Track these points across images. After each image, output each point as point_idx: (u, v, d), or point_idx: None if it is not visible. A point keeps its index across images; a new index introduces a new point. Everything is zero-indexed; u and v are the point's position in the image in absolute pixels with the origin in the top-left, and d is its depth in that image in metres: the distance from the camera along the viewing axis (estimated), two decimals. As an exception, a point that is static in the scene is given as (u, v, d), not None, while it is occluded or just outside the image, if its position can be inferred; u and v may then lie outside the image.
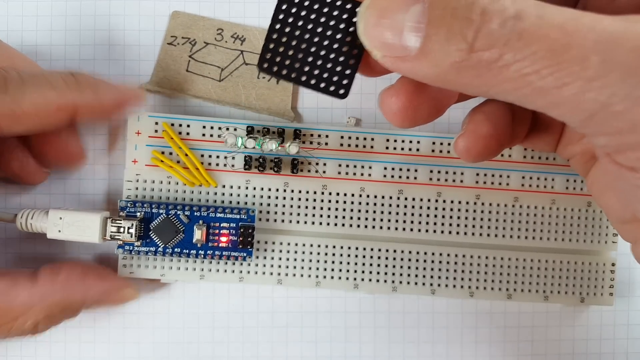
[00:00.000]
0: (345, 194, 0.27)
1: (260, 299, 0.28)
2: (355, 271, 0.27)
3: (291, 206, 0.27)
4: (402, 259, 0.27)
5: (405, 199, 0.27)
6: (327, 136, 0.27)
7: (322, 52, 0.17)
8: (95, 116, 0.25)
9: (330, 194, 0.27)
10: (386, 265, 0.27)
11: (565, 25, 0.14)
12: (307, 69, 0.17)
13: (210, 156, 0.27)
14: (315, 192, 0.27)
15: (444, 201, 0.27)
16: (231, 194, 0.27)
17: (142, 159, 0.26)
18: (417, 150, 0.27)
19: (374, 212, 0.27)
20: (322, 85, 0.17)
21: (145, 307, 0.27)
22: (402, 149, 0.27)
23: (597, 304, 0.27)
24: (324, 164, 0.27)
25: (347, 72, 0.17)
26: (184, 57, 0.28)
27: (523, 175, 0.27)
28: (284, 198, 0.27)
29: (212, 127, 0.27)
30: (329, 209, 0.27)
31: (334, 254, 0.27)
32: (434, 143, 0.27)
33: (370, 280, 0.27)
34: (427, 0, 0.14)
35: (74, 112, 0.23)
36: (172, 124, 0.26)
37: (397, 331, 0.28)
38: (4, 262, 0.27)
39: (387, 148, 0.27)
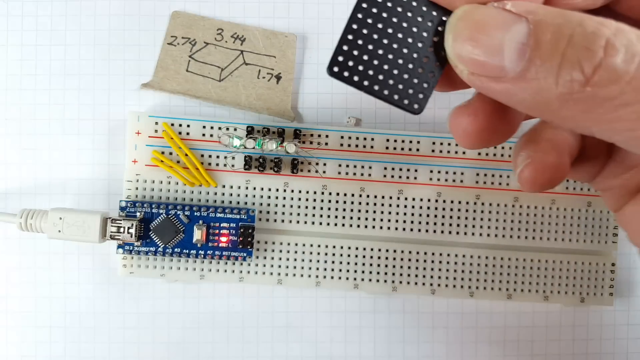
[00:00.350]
0: (345, 194, 0.27)
1: (260, 299, 0.28)
2: (355, 271, 0.27)
3: (291, 206, 0.27)
4: (402, 259, 0.27)
5: (405, 199, 0.27)
6: (327, 136, 0.27)
7: (400, 61, 0.15)
8: None
9: (330, 194, 0.27)
10: (386, 265, 0.27)
11: None
12: (381, 77, 0.15)
13: (210, 156, 0.27)
14: (315, 192, 0.27)
15: (444, 201, 0.27)
16: (231, 194, 0.27)
17: (142, 159, 0.26)
18: (417, 150, 0.27)
19: (374, 212, 0.27)
20: (396, 97, 0.15)
21: (145, 307, 0.27)
22: (402, 149, 0.27)
23: (597, 304, 0.27)
24: (324, 164, 0.27)
25: (425, 85, 0.15)
26: (184, 57, 0.28)
27: (523, 175, 0.27)
28: (284, 198, 0.27)
29: (212, 127, 0.27)
30: (329, 209, 0.27)
31: (334, 254, 0.27)
32: (434, 143, 0.27)
33: (370, 280, 0.27)
34: (532, 21, 0.13)
35: None
36: (172, 124, 0.26)
37: (397, 331, 0.28)
38: (4, 263, 0.27)
39: (387, 148, 0.27)
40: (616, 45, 0.13)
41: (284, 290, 0.28)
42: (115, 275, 0.27)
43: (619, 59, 0.13)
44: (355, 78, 0.15)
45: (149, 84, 0.27)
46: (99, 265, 0.27)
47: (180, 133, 0.26)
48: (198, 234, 0.26)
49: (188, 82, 0.27)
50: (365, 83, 0.15)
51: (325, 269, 0.27)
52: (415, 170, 0.27)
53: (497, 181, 0.27)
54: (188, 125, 0.26)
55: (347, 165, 0.27)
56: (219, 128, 0.26)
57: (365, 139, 0.27)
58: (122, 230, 0.25)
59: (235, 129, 0.26)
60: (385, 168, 0.27)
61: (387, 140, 0.27)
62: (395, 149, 0.27)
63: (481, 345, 0.28)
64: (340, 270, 0.27)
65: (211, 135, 0.27)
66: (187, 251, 0.26)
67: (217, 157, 0.27)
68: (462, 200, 0.27)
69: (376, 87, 0.15)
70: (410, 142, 0.27)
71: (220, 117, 0.27)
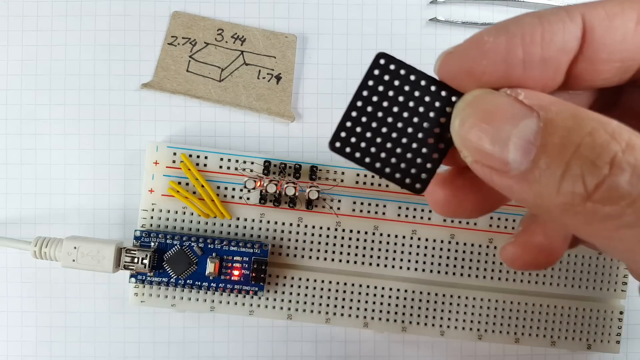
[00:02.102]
0: (358, 232, 0.27)
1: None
2: (366, 309, 0.27)
3: (304, 241, 0.27)
4: (412, 299, 0.27)
5: (419, 239, 0.27)
6: (342, 173, 0.27)
7: (404, 140, 0.15)
8: None
9: (344, 230, 0.27)
10: (396, 305, 0.27)
11: None
12: (383, 155, 0.15)
13: (226, 188, 0.27)
14: (329, 229, 0.27)
15: (457, 243, 0.27)
16: (245, 227, 0.27)
17: (159, 189, 0.26)
18: (432, 191, 0.27)
19: (387, 250, 0.27)
20: (397, 175, 0.15)
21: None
22: (418, 189, 0.27)
23: (604, 351, 0.27)
24: (339, 201, 0.27)
25: (428, 165, 0.15)
26: (184, 57, 0.28)
27: (536, 220, 0.27)
28: (297, 233, 0.27)
29: (229, 160, 0.27)
30: (342, 245, 0.27)
31: (344, 291, 0.27)
32: (449, 185, 0.27)
33: (380, 319, 0.27)
34: (542, 118, 0.13)
35: None
36: (190, 155, 0.26)
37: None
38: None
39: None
40: (622, 164, 0.12)
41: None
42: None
43: (623, 179, 0.12)
44: (357, 155, 0.15)
45: (149, 84, 0.27)
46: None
47: (197, 164, 0.26)
48: (211, 267, 0.26)
49: (188, 82, 0.27)
50: (367, 160, 0.15)
51: (335, 306, 0.27)
52: (430, 211, 0.27)
53: (511, 226, 0.27)
54: (206, 157, 0.27)
55: (362, 203, 0.27)
56: (236, 161, 0.27)
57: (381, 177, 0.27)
58: (136, 260, 0.25)
59: (252, 163, 0.26)
60: (400, 207, 0.27)
61: (403, 179, 0.27)
62: (410, 188, 0.27)
63: (481, 345, 0.28)
64: (351, 307, 0.27)
65: (228, 168, 0.27)
66: (199, 283, 0.26)
67: (233, 189, 0.27)
68: (475, 243, 0.27)
69: (377, 165, 0.15)
70: (426, 182, 0.27)
71: (221, 117, 0.28)
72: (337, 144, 0.15)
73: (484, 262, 0.27)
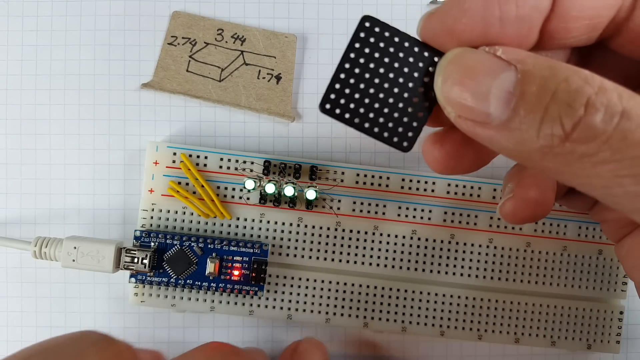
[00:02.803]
0: (358, 232, 0.27)
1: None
2: (366, 309, 0.27)
3: (304, 241, 0.27)
4: (412, 299, 0.27)
5: (419, 239, 0.27)
6: (342, 173, 0.27)
7: (390, 100, 0.16)
8: None
9: (343, 230, 0.27)
10: (397, 305, 0.27)
11: None
12: (371, 115, 0.16)
13: (226, 188, 0.27)
14: (328, 229, 0.27)
15: (457, 243, 0.27)
16: (245, 227, 0.27)
17: (159, 189, 0.26)
18: (432, 191, 0.27)
19: (387, 250, 0.27)
20: (385, 134, 0.16)
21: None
22: (417, 189, 0.27)
23: (604, 351, 0.27)
24: (339, 201, 0.27)
25: (414, 124, 0.16)
26: (184, 57, 0.28)
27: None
28: (297, 233, 0.27)
29: (229, 160, 0.27)
30: (342, 245, 0.27)
31: (344, 291, 0.27)
32: (449, 185, 0.27)
33: (380, 319, 0.27)
34: (520, 70, 0.14)
35: None
36: (190, 155, 0.26)
37: (397, 335, 0.28)
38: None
39: (402, 188, 0.27)
40: (596, 104, 0.13)
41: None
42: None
43: (597, 118, 0.13)
44: (347, 115, 0.16)
45: (149, 84, 0.27)
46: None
47: (197, 164, 0.26)
48: (211, 267, 0.26)
49: (188, 82, 0.27)
50: (356, 121, 0.16)
51: (335, 306, 0.27)
52: (430, 211, 0.27)
53: (511, 225, 0.27)
54: (206, 157, 0.27)
55: (362, 203, 0.27)
56: (236, 161, 0.27)
57: (380, 177, 0.27)
58: (136, 260, 0.25)
59: (252, 162, 0.26)
60: (400, 207, 0.27)
61: (403, 179, 0.27)
62: (410, 188, 0.27)
63: (481, 343, 0.28)
64: (351, 307, 0.27)
65: (228, 168, 0.27)
66: (199, 283, 0.26)
67: (233, 189, 0.27)
68: (475, 243, 0.27)
69: (366, 125, 0.16)
70: (426, 182, 0.27)
71: (221, 117, 0.28)
72: (327, 106, 0.15)
73: (484, 262, 0.27)
